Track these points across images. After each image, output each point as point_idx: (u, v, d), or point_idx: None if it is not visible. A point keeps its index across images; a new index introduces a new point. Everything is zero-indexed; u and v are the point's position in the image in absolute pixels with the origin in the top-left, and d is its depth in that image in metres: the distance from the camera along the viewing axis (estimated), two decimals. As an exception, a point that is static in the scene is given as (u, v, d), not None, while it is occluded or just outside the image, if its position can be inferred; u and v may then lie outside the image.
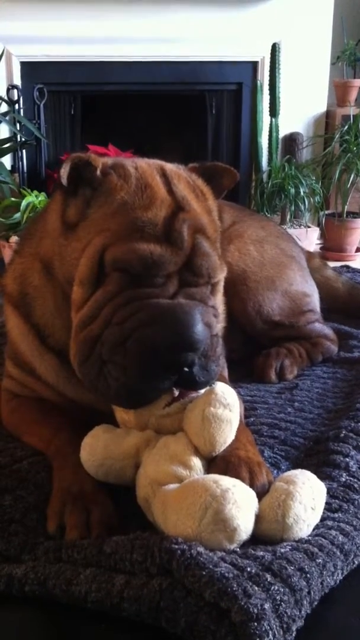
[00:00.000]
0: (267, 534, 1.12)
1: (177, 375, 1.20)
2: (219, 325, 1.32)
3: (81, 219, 1.27)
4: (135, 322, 1.19)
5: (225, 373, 1.67)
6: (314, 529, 1.16)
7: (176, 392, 1.25)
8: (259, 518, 1.12)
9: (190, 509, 1.08)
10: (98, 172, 1.27)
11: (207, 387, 1.25)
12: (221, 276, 1.33)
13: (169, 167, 1.34)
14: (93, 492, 1.23)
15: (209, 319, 1.25)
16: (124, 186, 1.26)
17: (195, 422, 1.22)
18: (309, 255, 2.38)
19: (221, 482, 1.11)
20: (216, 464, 1.21)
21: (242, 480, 1.16)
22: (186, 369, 1.20)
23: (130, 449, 1.24)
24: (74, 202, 1.29)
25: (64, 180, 1.25)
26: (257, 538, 1.12)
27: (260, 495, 1.15)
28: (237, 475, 1.17)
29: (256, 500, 1.14)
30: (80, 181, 1.27)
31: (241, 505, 1.09)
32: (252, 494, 1.14)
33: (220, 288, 1.37)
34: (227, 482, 1.11)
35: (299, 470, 1.23)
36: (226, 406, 1.23)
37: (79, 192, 1.28)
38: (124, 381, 1.19)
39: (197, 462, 1.20)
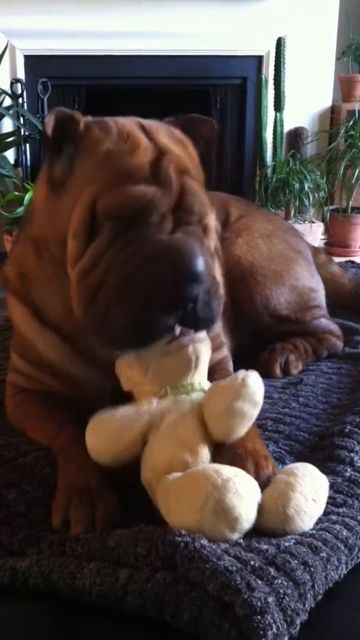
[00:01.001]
0: (269, 525, 1.12)
1: (182, 311, 1.21)
2: (218, 271, 1.34)
3: (68, 175, 1.29)
4: (137, 260, 1.20)
5: (230, 366, 1.67)
6: (318, 523, 1.16)
7: (178, 330, 1.24)
8: (261, 509, 1.12)
9: (191, 499, 1.08)
10: (81, 126, 1.29)
11: (239, 376, 1.22)
12: (211, 217, 1.34)
13: (146, 121, 1.37)
14: (98, 487, 1.23)
15: (206, 256, 1.26)
16: (107, 137, 1.28)
17: (218, 409, 1.21)
18: (315, 251, 2.37)
19: (222, 471, 1.11)
20: (223, 454, 1.21)
21: (247, 472, 1.16)
22: (190, 305, 1.21)
23: (136, 436, 1.23)
24: (60, 160, 1.30)
25: (49, 131, 1.26)
26: (262, 531, 1.12)
27: (264, 488, 1.15)
28: (242, 467, 1.17)
29: (259, 490, 1.14)
30: (64, 139, 1.29)
31: (243, 494, 1.09)
32: (254, 483, 1.14)
33: (213, 234, 1.39)
34: (228, 472, 1.11)
35: (301, 463, 1.23)
36: (253, 403, 1.21)
37: (63, 150, 1.30)
38: (129, 318, 1.20)
39: (204, 449, 1.20)
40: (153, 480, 1.18)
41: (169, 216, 1.25)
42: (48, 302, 1.43)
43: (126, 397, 1.32)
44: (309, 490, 1.15)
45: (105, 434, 1.23)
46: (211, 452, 1.21)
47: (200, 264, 1.20)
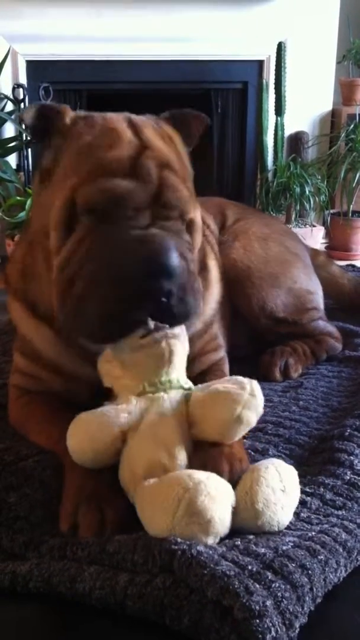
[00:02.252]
0: (242, 524, 1.12)
1: (154, 305, 1.21)
2: (195, 262, 1.34)
3: (55, 166, 1.31)
4: (109, 253, 1.21)
5: (226, 369, 1.67)
6: (317, 524, 1.16)
7: (151, 325, 1.24)
8: (234, 511, 1.12)
9: (164, 503, 1.08)
10: (67, 120, 1.32)
11: (246, 385, 1.23)
12: (195, 213, 1.35)
13: (136, 117, 1.38)
14: (107, 491, 1.21)
15: (184, 251, 1.26)
16: (90, 130, 1.30)
17: (225, 417, 1.21)
18: (314, 252, 2.37)
19: (194, 475, 1.11)
20: (198, 456, 1.21)
21: (221, 473, 1.16)
22: (164, 299, 1.21)
23: (116, 434, 1.22)
24: (49, 152, 1.33)
25: (28, 121, 1.30)
26: (236, 529, 1.12)
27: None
28: (216, 469, 1.17)
29: (232, 492, 1.14)
30: (51, 131, 1.32)
31: (215, 496, 1.08)
32: (227, 486, 1.14)
33: (198, 228, 1.39)
34: (200, 475, 1.11)
35: (266, 459, 1.23)
36: (258, 413, 1.23)
37: (51, 142, 1.33)
38: (101, 312, 1.21)
39: (182, 452, 1.20)
40: (131, 483, 1.18)
41: (146, 211, 1.25)
42: (41, 297, 1.44)
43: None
44: (275, 482, 1.14)
45: (85, 436, 1.22)
46: (189, 454, 1.21)
47: (172, 258, 1.20)
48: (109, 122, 1.32)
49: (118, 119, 1.34)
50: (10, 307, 1.55)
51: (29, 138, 3.64)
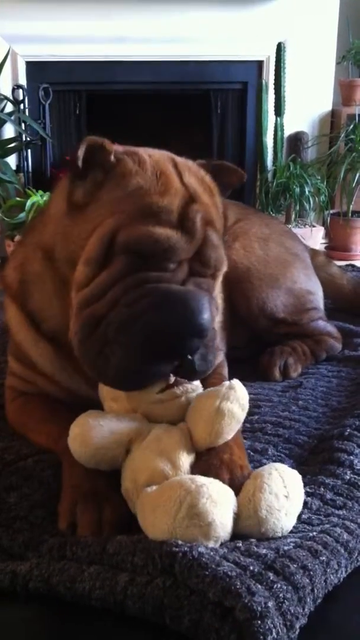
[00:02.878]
0: (245, 531, 1.12)
1: (179, 361, 1.21)
2: (217, 318, 1.34)
3: (91, 201, 1.28)
4: (145, 305, 1.19)
5: (225, 371, 1.67)
6: (318, 525, 1.16)
7: (172, 379, 1.25)
8: (236, 517, 1.12)
9: (165, 505, 1.08)
10: (112, 156, 1.29)
11: (226, 383, 1.27)
12: (224, 269, 1.35)
13: (179, 159, 1.36)
14: (105, 489, 1.21)
15: (212, 310, 1.26)
16: (139, 171, 1.27)
17: (207, 413, 1.22)
18: (314, 252, 2.38)
19: (197, 479, 1.11)
20: (199, 464, 1.22)
21: (222, 481, 1.16)
22: (189, 357, 1.21)
23: (122, 437, 1.23)
24: (83, 184, 1.29)
25: (80, 162, 1.26)
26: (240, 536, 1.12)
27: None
28: (217, 477, 1.17)
29: (234, 498, 1.13)
30: (92, 164, 1.28)
31: (217, 500, 1.08)
32: (229, 491, 1.13)
33: (220, 281, 1.39)
34: (202, 479, 1.11)
35: (268, 464, 1.23)
36: (241, 406, 1.24)
37: (89, 175, 1.29)
38: (126, 362, 1.19)
39: (184, 461, 1.20)
40: (134, 493, 1.18)
41: (185, 265, 1.25)
42: (47, 312, 1.42)
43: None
44: (279, 487, 1.14)
45: (88, 439, 1.23)
46: (191, 465, 1.21)
47: (206, 319, 1.19)
48: (158, 165, 1.29)
49: (165, 161, 1.31)
50: (8, 312, 1.53)
51: (28, 139, 3.64)
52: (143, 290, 1.20)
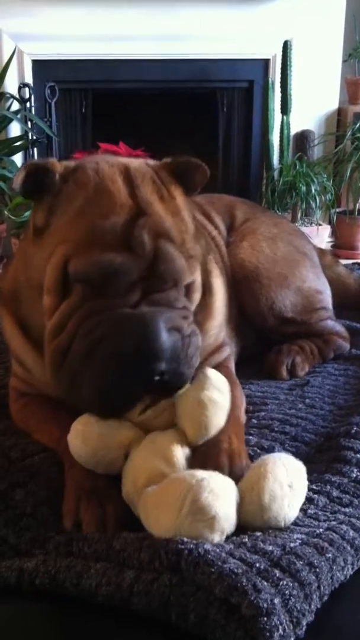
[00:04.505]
0: (247, 518, 1.12)
1: (148, 383, 1.19)
2: (191, 326, 1.29)
3: (45, 227, 1.27)
4: (98, 334, 1.19)
5: (232, 365, 1.67)
6: (324, 521, 1.16)
7: (147, 401, 1.25)
8: (240, 505, 1.12)
9: (168, 503, 1.09)
10: (57, 178, 1.27)
11: (199, 373, 1.27)
12: (193, 277, 1.31)
13: (135, 166, 1.31)
14: (106, 487, 1.23)
15: (176, 323, 1.22)
16: (81, 193, 1.25)
17: (190, 407, 1.23)
18: (321, 252, 2.37)
19: (197, 473, 1.12)
20: (197, 456, 1.22)
21: (222, 468, 1.17)
22: (157, 378, 1.19)
23: (124, 440, 1.24)
24: (40, 208, 1.28)
25: (18, 188, 1.25)
26: (242, 524, 1.12)
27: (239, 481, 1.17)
28: (216, 465, 1.18)
29: (235, 489, 1.14)
30: (42, 188, 1.27)
31: (218, 493, 1.09)
32: (230, 482, 1.14)
33: (197, 287, 1.35)
34: (202, 473, 1.12)
35: (272, 454, 1.23)
36: (220, 390, 1.25)
37: (43, 199, 1.28)
38: (96, 391, 1.20)
39: (180, 458, 1.21)
40: (135, 495, 1.18)
41: (139, 284, 1.21)
42: (34, 323, 1.40)
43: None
44: (282, 477, 1.14)
45: (93, 438, 1.24)
46: (189, 460, 1.22)
47: (163, 341, 1.16)
48: (103, 181, 1.25)
49: (113, 175, 1.27)
50: (3, 320, 1.52)
51: (34, 137, 3.65)
52: (98, 318, 1.19)
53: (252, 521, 1.12)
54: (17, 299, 1.45)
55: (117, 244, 1.20)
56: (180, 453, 1.21)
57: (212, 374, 1.27)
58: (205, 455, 1.22)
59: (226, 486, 1.12)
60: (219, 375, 1.28)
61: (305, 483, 1.20)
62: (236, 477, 1.17)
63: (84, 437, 1.24)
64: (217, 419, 1.24)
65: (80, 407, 1.26)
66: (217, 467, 1.17)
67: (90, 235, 1.20)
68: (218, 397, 1.24)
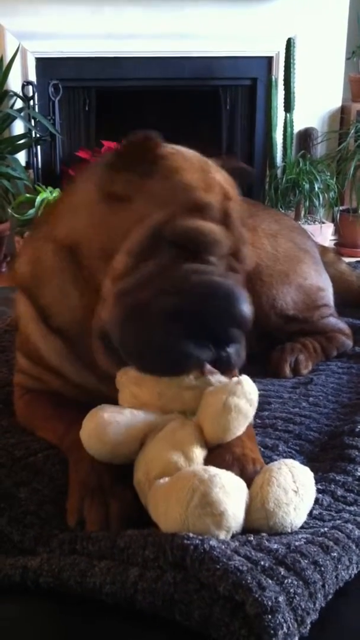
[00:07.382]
0: (254, 525, 1.12)
1: (220, 350, 1.23)
2: None
3: (135, 192, 1.29)
4: (191, 294, 1.21)
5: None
6: (329, 521, 1.16)
7: (206, 368, 1.26)
8: (247, 510, 1.12)
9: (178, 494, 1.08)
10: (160, 149, 1.32)
11: (234, 378, 1.27)
12: (252, 265, 1.41)
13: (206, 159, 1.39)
14: (111, 484, 1.21)
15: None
16: (187, 167, 1.31)
17: (214, 407, 1.22)
18: (323, 249, 2.37)
19: (210, 469, 1.12)
20: (210, 460, 1.21)
21: (233, 472, 1.16)
22: (227, 349, 1.24)
23: (138, 432, 1.23)
24: (125, 175, 1.30)
25: (124, 148, 1.30)
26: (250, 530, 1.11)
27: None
28: (228, 469, 1.16)
29: (246, 490, 1.13)
30: (137, 156, 1.30)
31: (229, 490, 1.08)
32: (242, 483, 1.13)
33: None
34: (215, 470, 1.12)
35: (279, 460, 1.23)
36: (249, 400, 1.24)
37: (133, 166, 1.30)
38: (168, 347, 1.21)
39: (198, 454, 1.20)
40: (146, 485, 1.17)
41: (225, 260, 1.28)
42: (58, 307, 1.41)
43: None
44: (288, 482, 1.14)
45: (108, 436, 1.22)
46: (205, 460, 1.21)
47: (248, 312, 1.23)
48: (201, 162, 1.34)
49: (205, 159, 1.36)
50: (18, 303, 1.53)
51: (38, 135, 3.65)
52: (189, 280, 1.22)
53: (258, 527, 1.11)
54: (38, 284, 1.45)
55: (216, 218, 1.27)
56: (199, 450, 1.21)
57: (246, 382, 1.26)
58: (218, 459, 1.21)
59: (238, 486, 1.12)
60: (252, 384, 1.27)
61: (313, 489, 1.19)
62: (248, 482, 1.16)
63: (98, 435, 1.22)
64: (237, 426, 1.23)
65: (138, 363, 1.26)
66: (229, 471, 1.16)
67: (194, 205, 1.26)
68: (244, 405, 1.23)
